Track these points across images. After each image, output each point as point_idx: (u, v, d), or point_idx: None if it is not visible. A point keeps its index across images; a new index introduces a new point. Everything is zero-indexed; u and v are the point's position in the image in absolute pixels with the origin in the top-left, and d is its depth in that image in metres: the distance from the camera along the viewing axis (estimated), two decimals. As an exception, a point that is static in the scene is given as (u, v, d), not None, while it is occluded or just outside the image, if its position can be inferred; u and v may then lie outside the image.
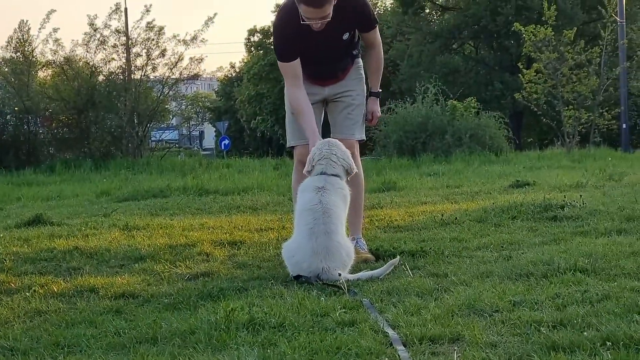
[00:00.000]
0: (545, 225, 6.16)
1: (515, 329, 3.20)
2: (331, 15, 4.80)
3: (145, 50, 22.88)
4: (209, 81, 63.99)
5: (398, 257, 4.74)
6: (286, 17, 5.00)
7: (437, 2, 43.30)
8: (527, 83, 21.68)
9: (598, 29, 24.25)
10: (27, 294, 4.35)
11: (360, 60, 5.46)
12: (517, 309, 3.49)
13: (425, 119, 20.35)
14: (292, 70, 5.10)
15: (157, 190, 11.45)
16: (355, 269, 4.57)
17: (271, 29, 5.40)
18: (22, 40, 22.75)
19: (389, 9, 45.21)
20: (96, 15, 22.60)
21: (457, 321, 3.34)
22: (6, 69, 23.05)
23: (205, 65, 32.98)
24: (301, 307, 3.67)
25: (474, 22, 38.58)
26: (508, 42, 37.59)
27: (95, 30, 22.44)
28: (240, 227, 6.80)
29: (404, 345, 3.07)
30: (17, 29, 22.86)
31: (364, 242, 5.35)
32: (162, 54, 23.02)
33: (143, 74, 22.99)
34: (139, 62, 22.91)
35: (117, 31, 22.85)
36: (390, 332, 3.22)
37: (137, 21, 22.95)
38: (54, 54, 22.44)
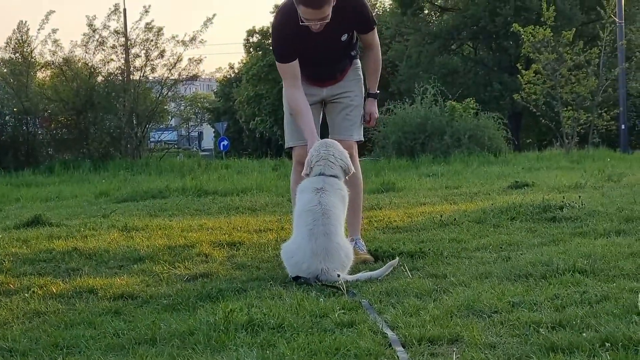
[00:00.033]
0: (544, 226, 6.16)
1: (514, 330, 3.20)
2: (330, 16, 4.80)
3: (144, 51, 22.88)
4: (208, 82, 64.04)
5: (397, 258, 4.74)
6: (285, 18, 5.01)
7: (436, 3, 43.32)
8: (526, 84, 21.67)
9: (597, 29, 24.25)
10: (26, 295, 4.35)
11: (358, 61, 5.46)
12: (516, 310, 3.49)
13: (424, 120, 20.35)
14: (290, 71, 5.10)
15: (156, 191, 11.44)
16: (354, 270, 4.57)
17: (270, 30, 5.38)
18: (21, 41, 22.73)
19: (388, 9, 45.22)
20: (95, 16, 22.62)
21: (456, 322, 3.34)
22: (5, 70, 23.04)
23: (204, 66, 33.17)
24: (300, 308, 3.68)
25: (473, 22, 38.59)
26: (507, 43, 37.59)
27: (94, 31, 22.43)
28: (239, 228, 6.80)
29: (403, 346, 3.07)
30: (16, 30, 22.85)
31: (363, 243, 5.35)
32: (161, 54, 23.01)
33: (142, 74, 22.98)
34: (138, 62, 22.92)
35: (116, 32, 22.85)
36: (389, 333, 3.22)
37: (136, 22, 22.97)
38: (53, 54, 22.46)
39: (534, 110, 21.73)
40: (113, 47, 22.67)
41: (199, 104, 32.58)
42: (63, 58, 22.38)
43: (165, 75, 23.42)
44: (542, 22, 22.33)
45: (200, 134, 57.07)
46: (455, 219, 6.74)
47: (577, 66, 21.44)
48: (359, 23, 5.17)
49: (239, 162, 21.30)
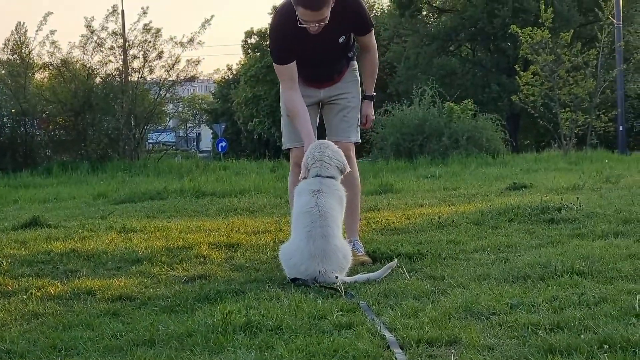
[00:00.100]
0: (542, 227, 6.16)
1: (512, 332, 3.20)
2: (328, 18, 4.80)
3: (142, 53, 22.90)
4: (206, 83, 64.09)
5: (395, 260, 4.74)
6: (283, 20, 5.01)
7: (434, 5, 43.34)
8: (524, 85, 21.67)
9: (595, 31, 24.24)
10: (24, 296, 4.35)
11: (355, 62, 5.46)
12: (514, 312, 3.49)
13: (422, 121, 20.36)
14: (288, 73, 5.10)
15: (154, 192, 11.44)
16: (352, 272, 4.57)
17: (268, 31, 5.38)
18: (19, 42, 22.74)
19: (386, 11, 45.26)
20: (93, 17, 22.64)
21: (454, 324, 3.34)
22: (3, 71, 23.04)
23: (202, 68, 33.19)
24: (298, 310, 3.68)
25: (471, 24, 38.62)
26: (505, 45, 37.62)
27: (92, 33, 22.45)
28: (237, 230, 6.80)
29: (401, 348, 3.07)
30: (14, 31, 22.87)
31: (361, 244, 5.35)
32: (159, 56, 23.02)
33: (140, 76, 23.00)
34: (136, 64, 22.94)
35: (114, 33, 22.88)
36: (388, 334, 3.22)
37: (134, 23, 22.97)
38: (51, 56, 22.48)
39: (532, 111, 21.72)
40: (111, 48, 22.70)
41: (197, 105, 32.61)
42: (61, 59, 22.40)
43: (163, 76, 23.45)
44: (540, 23, 22.33)
45: (198, 135, 57.02)
46: (453, 220, 6.74)
47: (575, 68, 21.45)
48: (356, 25, 5.17)
49: (237, 164, 21.31)
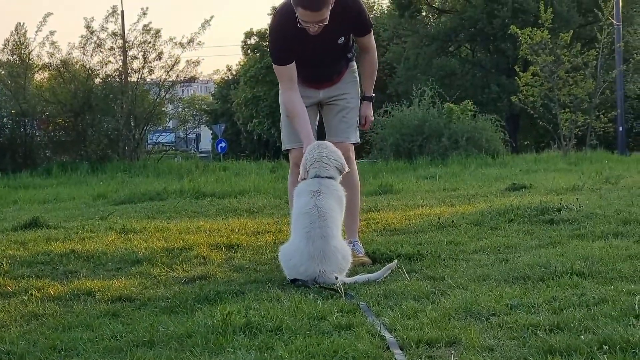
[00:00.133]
0: (542, 228, 6.16)
1: (512, 333, 3.21)
2: (328, 19, 4.80)
3: (141, 53, 22.88)
4: (206, 84, 64.07)
5: (395, 260, 4.74)
6: (282, 20, 5.01)
7: (433, 5, 43.34)
8: (523, 86, 21.67)
9: (594, 31, 24.22)
10: (24, 297, 4.35)
11: (354, 63, 5.46)
12: (513, 313, 3.49)
13: (422, 122, 20.36)
14: (287, 74, 5.10)
15: (153, 193, 11.44)
16: (352, 273, 4.57)
17: (267, 32, 5.38)
18: (18, 43, 22.73)
19: (386, 11, 45.25)
20: (93, 18, 22.62)
21: (454, 325, 3.34)
22: (2, 72, 23.03)
23: (201, 68, 33.19)
24: (298, 311, 3.68)
25: (471, 24, 38.61)
26: (504, 45, 37.61)
27: (92, 33, 22.44)
28: (237, 230, 6.80)
29: (401, 349, 3.07)
30: (14, 32, 22.86)
31: (361, 245, 5.35)
32: (159, 56, 23.01)
33: (140, 76, 22.99)
34: (136, 64, 22.92)
35: (114, 34, 22.87)
36: (387, 335, 3.22)
37: (134, 24, 22.95)
38: (51, 56, 22.47)
39: (532, 112, 21.73)
40: (111, 49, 22.69)
41: (196, 106, 32.61)
42: (61, 60, 22.39)
43: (163, 77, 23.43)
44: (539, 24, 22.31)
45: (198, 136, 57.00)
46: (453, 221, 6.74)
47: (575, 68, 21.44)
48: (356, 26, 5.17)
49: (236, 164, 21.31)
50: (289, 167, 5.58)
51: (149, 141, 27.56)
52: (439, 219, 6.91)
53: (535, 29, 21.74)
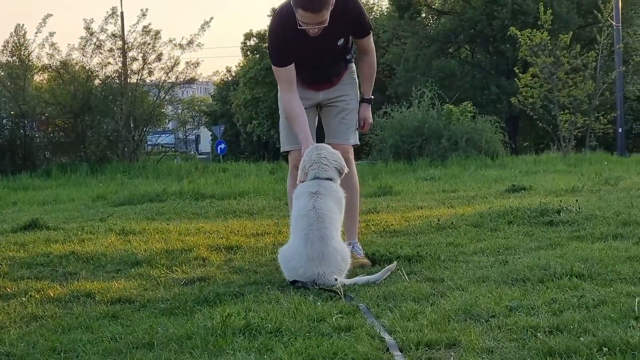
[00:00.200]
0: (542, 230, 6.16)
1: (511, 334, 3.20)
2: (328, 20, 4.80)
3: (141, 55, 22.92)
4: (205, 85, 64.00)
5: (394, 262, 4.74)
6: (282, 22, 5.01)
7: (433, 7, 43.34)
8: (523, 87, 21.67)
9: (594, 33, 24.26)
10: (24, 299, 4.35)
11: (353, 65, 5.46)
12: (513, 314, 3.49)
13: (422, 123, 20.36)
14: (286, 75, 5.09)
15: (153, 194, 11.44)
16: (351, 274, 4.57)
17: (267, 33, 5.37)
18: (18, 44, 22.75)
19: (385, 13, 45.24)
20: (92, 19, 22.67)
21: (454, 326, 3.34)
22: (2, 73, 23.03)
23: (201, 69, 33.06)
24: (297, 312, 3.67)
25: (470, 26, 38.61)
26: (504, 46, 37.62)
27: (91, 35, 22.48)
28: (236, 232, 6.80)
29: (401, 351, 3.07)
30: (14, 33, 22.89)
31: (360, 246, 5.35)
32: (158, 58, 23.03)
33: (139, 78, 23.01)
34: (135, 66, 22.94)
35: (114, 35, 22.89)
36: (387, 337, 3.22)
37: (134, 25, 23.00)
38: (50, 58, 22.51)
39: (531, 113, 21.73)
40: (110, 50, 22.72)
41: (196, 107, 32.55)
42: (60, 61, 22.41)
43: (163, 78, 23.47)
44: (539, 25, 22.31)
45: (198, 137, 56.99)
46: (452, 222, 6.74)
47: (574, 69, 21.45)
48: (356, 28, 5.17)
49: (236, 166, 21.31)
50: (288, 169, 5.58)
51: (149, 142, 27.58)
52: (438, 220, 6.91)
53: (535, 30, 21.75)
